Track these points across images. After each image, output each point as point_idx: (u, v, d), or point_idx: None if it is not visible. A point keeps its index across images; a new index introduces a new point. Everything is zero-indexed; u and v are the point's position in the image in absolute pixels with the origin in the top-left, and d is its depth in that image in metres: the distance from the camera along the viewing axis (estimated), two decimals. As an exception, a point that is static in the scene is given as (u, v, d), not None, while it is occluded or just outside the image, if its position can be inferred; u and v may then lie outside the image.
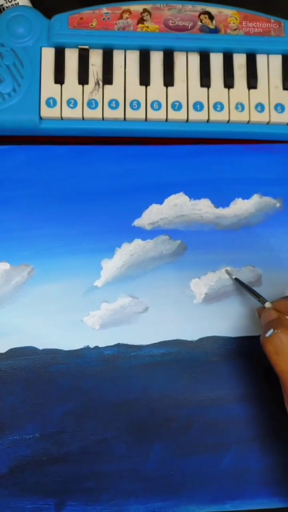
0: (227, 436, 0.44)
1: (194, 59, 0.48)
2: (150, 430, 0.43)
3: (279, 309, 0.39)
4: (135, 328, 0.45)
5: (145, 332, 0.45)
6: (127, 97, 0.47)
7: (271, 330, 0.36)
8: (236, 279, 0.45)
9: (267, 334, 0.36)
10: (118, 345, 0.44)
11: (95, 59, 0.47)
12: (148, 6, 0.48)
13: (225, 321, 0.45)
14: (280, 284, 0.46)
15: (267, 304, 0.40)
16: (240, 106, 0.47)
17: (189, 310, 0.45)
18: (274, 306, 0.39)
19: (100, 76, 0.47)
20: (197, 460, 0.43)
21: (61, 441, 0.43)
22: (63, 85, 0.47)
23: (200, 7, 0.48)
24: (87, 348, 0.44)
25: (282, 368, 0.36)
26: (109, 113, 0.47)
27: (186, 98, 0.47)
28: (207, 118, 0.47)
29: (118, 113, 0.47)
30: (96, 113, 0.47)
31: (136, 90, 0.47)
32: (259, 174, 0.48)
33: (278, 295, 0.46)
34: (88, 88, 0.47)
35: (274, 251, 0.47)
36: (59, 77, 0.47)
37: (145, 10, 0.48)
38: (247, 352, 0.45)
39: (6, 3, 0.50)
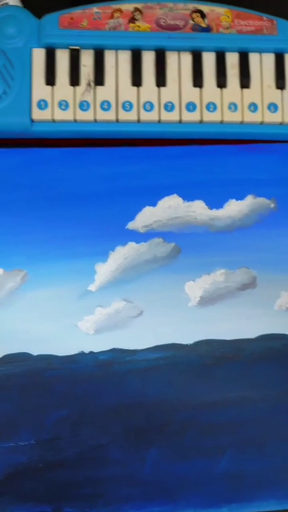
0: (223, 439, 0.43)
1: (186, 59, 0.47)
2: (146, 434, 0.43)
3: None
4: (130, 333, 0.44)
5: (140, 337, 0.44)
6: (119, 98, 0.46)
7: None
8: None
9: None
10: (113, 350, 0.44)
11: (87, 60, 0.47)
12: (139, 5, 0.47)
13: (221, 324, 0.45)
14: (275, 285, 0.46)
15: None
16: (233, 106, 0.47)
17: (184, 314, 0.45)
18: None
19: (92, 77, 0.46)
20: (193, 464, 0.43)
21: (57, 448, 0.43)
22: (54, 87, 0.46)
23: (191, 5, 0.47)
24: (82, 354, 0.44)
25: None
26: (101, 115, 0.46)
27: (178, 99, 0.47)
28: (200, 118, 0.47)
29: (110, 115, 0.46)
30: (88, 115, 0.46)
31: (128, 91, 0.46)
32: (252, 175, 0.48)
33: (273, 297, 0.46)
34: (80, 89, 0.46)
35: (268, 252, 0.47)
36: (50, 79, 0.46)
37: (136, 9, 0.47)
38: (243, 355, 0.45)
39: (-5, 3, 0.49)
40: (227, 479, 0.43)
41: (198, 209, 0.47)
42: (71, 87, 0.46)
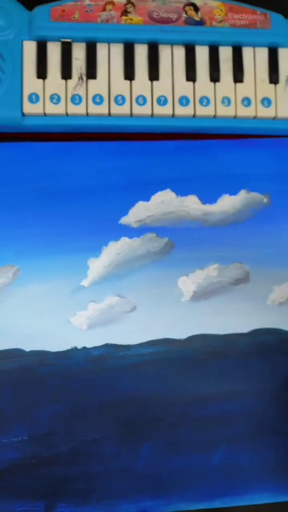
0: (216, 433, 0.44)
1: (179, 52, 0.47)
2: (140, 429, 0.43)
3: None
4: (123, 328, 0.44)
5: (133, 332, 0.44)
6: (111, 92, 0.46)
7: None
8: None
9: None
10: (106, 345, 0.44)
11: (78, 53, 0.46)
12: (131, -3, 0.46)
13: (214, 319, 0.45)
14: (268, 280, 0.46)
15: None
16: (226, 101, 0.46)
17: (177, 309, 0.45)
18: None
19: (84, 71, 0.46)
20: (187, 458, 0.43)
21: (50, 443, 0.42)
22: (46, 80, 0.46)
23: (185, -2, 0.47)
24: (75, 349, 0.44)
25: None
26: (93, 109, 0.46)
27: (171, 93, 0.46)
28: (193, 113, 0.46)
29: (102, 109, 0.46)
30: (80, 109, 0.46)
31: (120, 85, 0.46)
32: (246, 170, 0.47)
33: (266, 292, 0.46)
34: (72, 83, 0.46)
35: (262, 247, 0.47)
36: (42, 72, 0.45)
37: (128, 2, 0.46)
38: (236, 349, 0.45)
39: (-15, -6, 0.48)
40: (220, 472, 0.43)
41: (191, 204, 0.47)
42: (63, 81, 0.46)
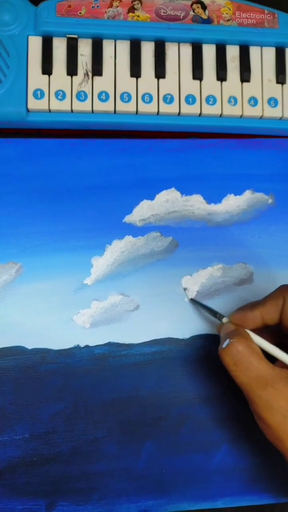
0: (218, 434, 0.44)
1: (186, 51, 0.46)
2: (141, 429, 0.43)
3: (236, 322, 0.37)
4: (126, 327, 0.44)
5: (136, 331, 0.44)
6: (117, 89, 0.46)
7: (227, 340, 0.35)
8: (192, 300, 0.44)
9: (224, 345, 0.35)
10: (109, 344, 0.44)
11: (84, 49, 0.46)
12: (138, -6, 0.46)
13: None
14: (272, 281, 0.46)
15: (225, 319, 0.39)
16: (233, 100, 0.46)
17: (180, 308, 0.45)
18: (231, 320, 0.38)
19: (90, 67, 0.45)
20: (189, 458, 0.43)
21: (52, 442, 0.42)
22: (51, 76, 0.45)
23: (192, -4, 0.46)
24: (77, 347, 0.43)
25: (242, 380, 0.34)
26: (99, 106, 0.45)
27: (178, 91, 0.46)
28: (199, 111, 0.46)
29: (108, 106, 0.45)
30: (85, 106, 0.45)
31: (126, 82, 0.46)
32: (251, 170, 0.47)
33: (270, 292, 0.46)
34: (77, 79, 0.45)
35: (266, 248, 0.46)
36: (47, 68, 0.45)
37: (135, -1, 0.46)
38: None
39: (-9, -12, 0.48)
40: (221, 473, 0.43)
41: (196, 204, 0.47)
42: (68, 77, 0.45)
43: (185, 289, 0.44)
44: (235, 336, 0.35)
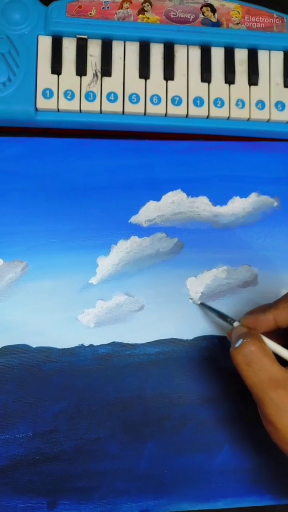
0: (220, 435, 0.44)
1: (195, 53, 0.47)
2: (144, 429, 0.43)
3: (248, 325, 0.37)
4: (130, 327, 0.44)
5: (140, 331, 0.44)
6: (126, 90, 0.46)
7: (240, 340, 0.34)
8: (202, 304, 0.44)
9: (237, 345, 0.34)
10: (113, 344, 0.44)
11: (94, 50, 0.46)
12: (149, -4, 0.46)
13: (221, 320, 0.45)
14: (276, 284, 0.46)
15: (236, 324, 0.38)
16: (240, 103, 0.46)
17: (184, 309, 0.45)
18: (243, 323, 0.38)
19: (99, 68, 0.46)
20: (191, 458, 0.43)
21: (54, 440, 0.42)
22: (60, 76, 0.45)
23: (202, -1, 0.47)
24: (81, 347, 0.44)
25: (253, 381, 0.33)
26: (107, 106, 0.46)
27: (186, 93, 0.46)
28: (207, 114, 0.46)
29: (116, 107, 0.46)
30: (93, 106, 0.45)
31: (135, 83, 0.46)
32: (257, 173, 0.48)
33: (274, 295, 0.46)
34: (86, 79, 0.46)
35: (270, 250, 0.47)
36: (56, 68, 0.45)
37: (146, 0, 0.46)
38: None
39: (1, -13, 0.48)
40: (223, 474, 0.43)
41: (201, 205, 0.47)
42: (77, 77, 0.46)
43: (191, 298, 0.44)
44: (248, 336, 0.35)
